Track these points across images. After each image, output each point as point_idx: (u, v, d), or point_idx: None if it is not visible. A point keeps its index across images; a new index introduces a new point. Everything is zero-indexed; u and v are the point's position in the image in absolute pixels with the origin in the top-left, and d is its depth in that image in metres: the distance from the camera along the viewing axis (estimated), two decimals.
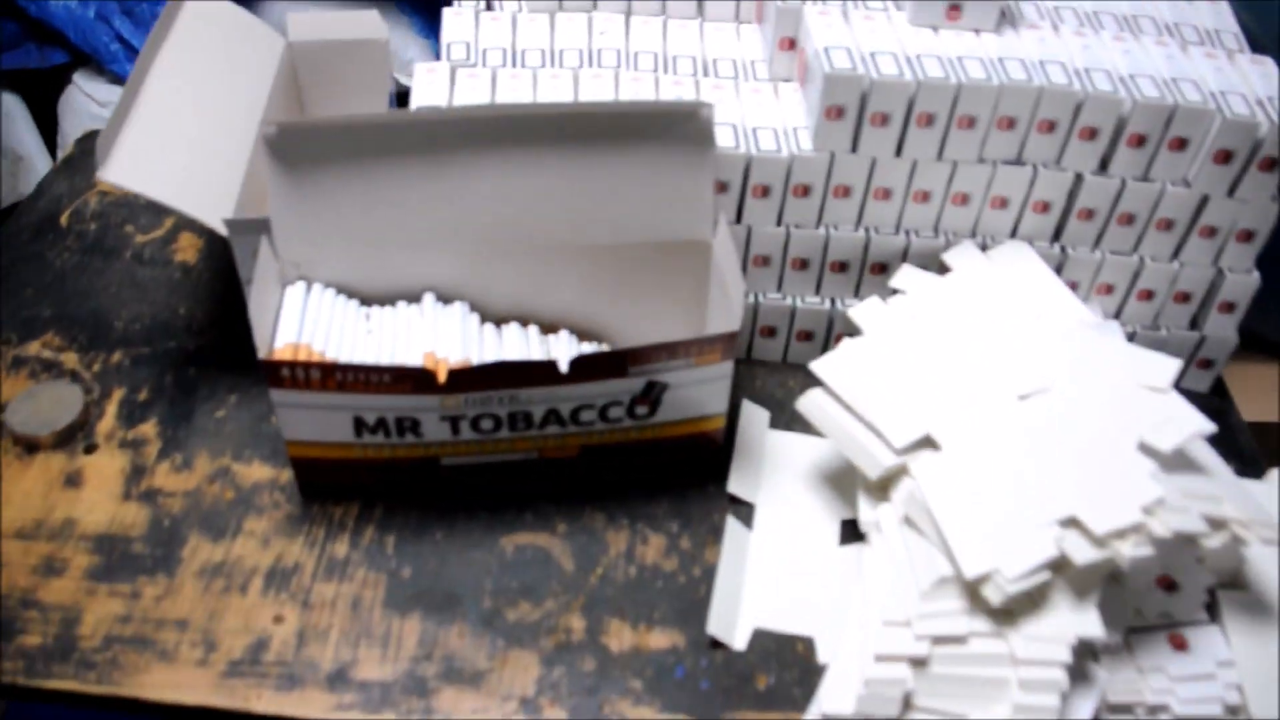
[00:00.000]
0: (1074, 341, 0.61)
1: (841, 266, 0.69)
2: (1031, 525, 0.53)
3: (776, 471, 0.66)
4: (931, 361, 0.61)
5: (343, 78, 0.80)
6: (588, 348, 0.66)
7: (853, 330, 0.65)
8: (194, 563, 0.60)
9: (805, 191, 0.66)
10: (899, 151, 0.64)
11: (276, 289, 0.62)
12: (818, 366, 0.62)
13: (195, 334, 0.73)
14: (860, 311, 0.65)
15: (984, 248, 0.68)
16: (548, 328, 0.67)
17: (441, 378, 0.56)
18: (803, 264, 0.69)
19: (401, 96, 0.87)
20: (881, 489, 0.59)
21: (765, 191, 0.65)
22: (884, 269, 0.69)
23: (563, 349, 0.65)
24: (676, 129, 0.62)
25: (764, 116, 0.67)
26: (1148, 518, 0.52)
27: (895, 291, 0.66)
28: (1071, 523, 0.52)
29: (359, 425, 0.59)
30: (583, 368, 0.57)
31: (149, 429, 0.67)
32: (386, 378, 0.56)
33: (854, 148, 0.64)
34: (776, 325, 0.71)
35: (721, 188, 0.65)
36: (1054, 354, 0.61)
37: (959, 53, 0.64)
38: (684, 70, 0.71)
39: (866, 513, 0.59)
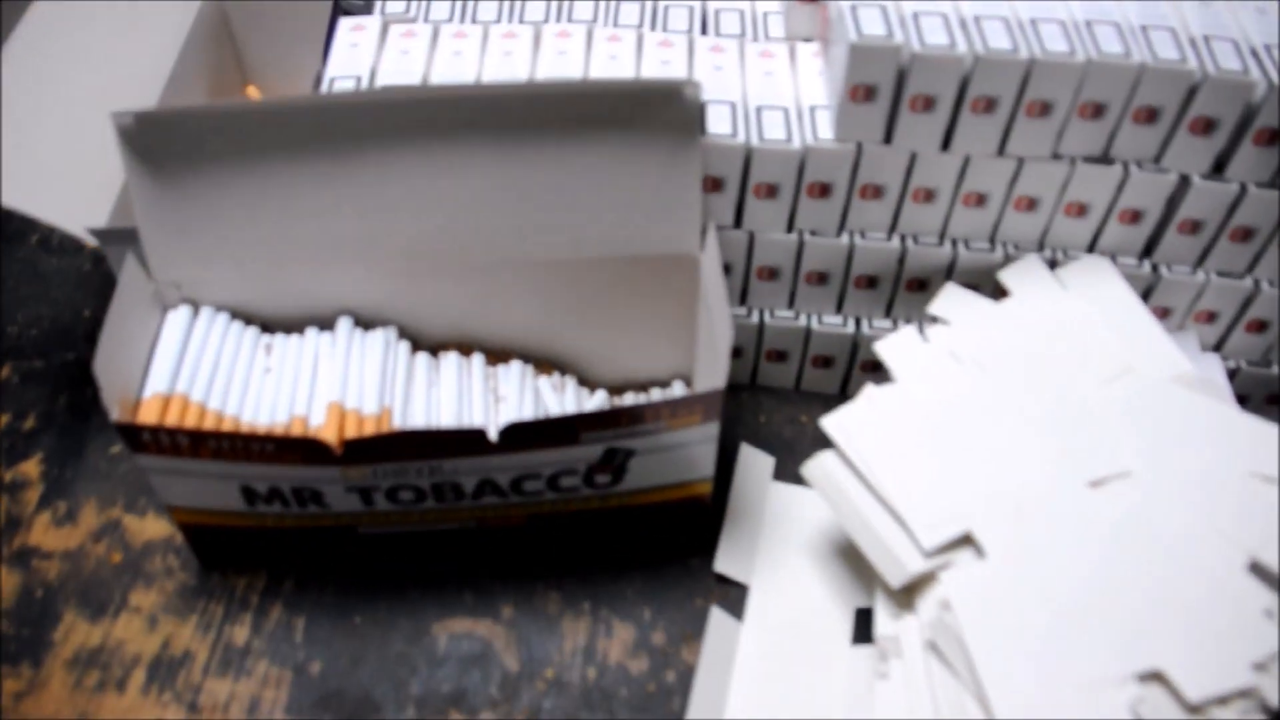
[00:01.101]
0: (1165, 404, 0.47)
1: (870, 282, 0.55)
2: (1098, 676, 0.40)
3: (778, 540, 0.54)
4: (978, 424, 0.48)
5: (288, 31, 0.67)
6: (546, 384, 0.54)
7: (880, 363, 0.51)
8: (66, 648, 0.50)
9: (824, 191, 0.51)
10: (946, 144, 0.49)
11: (151, 315, 0.49)
12: (833, 424, 0.49)
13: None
14: (891, 348, 0.51)
15: (1053, 264, 0.53)
16: (496, 355, 0.54)
17: (338, 446, 0.44)
18: (820, 278, 0.55)
19: None
20: (906, 592, 0.46)
21: (771, 191, 0.51)
22: (923, 285, 0.55)
23: (513, 384, 0.53)
24: (654, 114, 0.47)
25: (773, 91, 0.52)
26: (1260, 677, 0.38)
27: (935, 320, 0.52)
28: (1153, 677, 0.39)
29: (249, 494, 0.47)
30: (518, 437, 0.45)
31: (31, 467, 0.56)
32: (270, 447, 0.44)
33: (887, 138, 0.49)
34: (787, 349, 0.57)
35: (715, 185, 0.51)
36: (1138, 422, 0.46)
37: (1032, 14, 0.48)
38: (677, 24, 0.56)
39: (884, 623, 0.46)
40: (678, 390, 0.56)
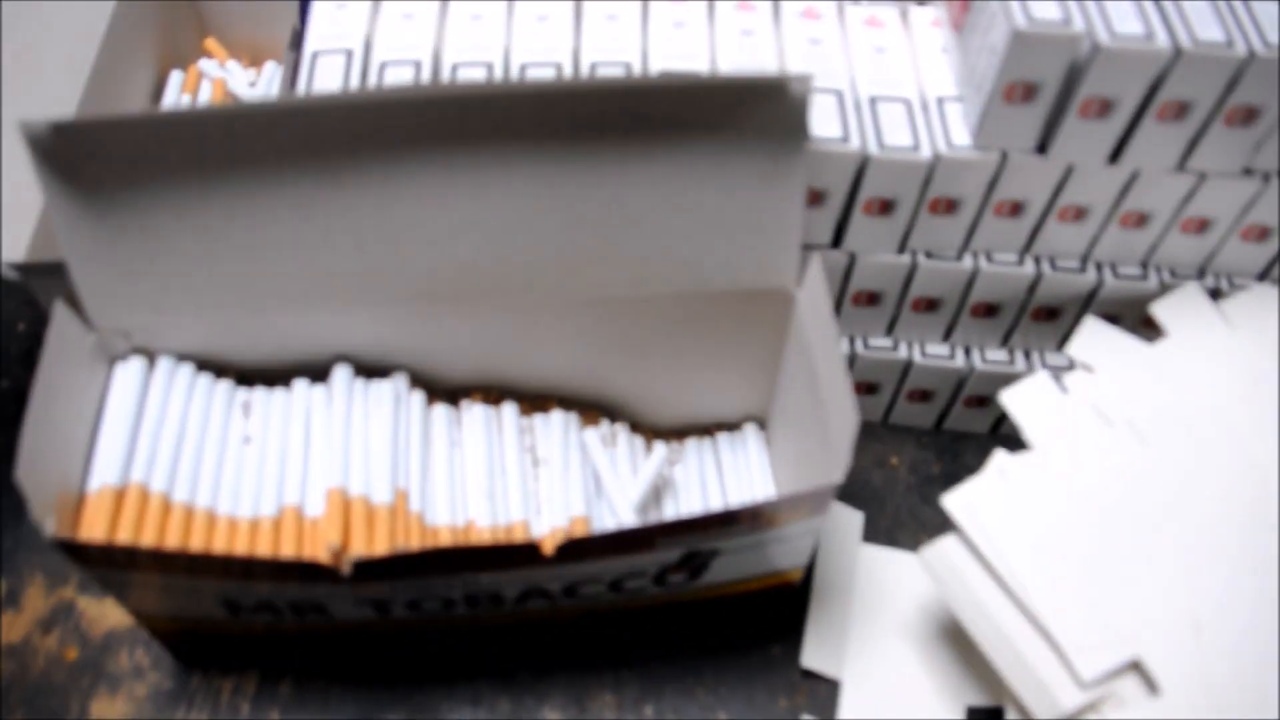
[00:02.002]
0: None
1: (989, 310, 0.45)
2: None
3: (871, 620, 0.45)
4: (1140, 510, 0.38)
5: None
6: (594, 438, 0.43)
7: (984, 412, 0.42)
8: None
9: (950, 207, 0.41)
10: (1116, 156, 0.39)
11: (93, 374, 0.38)
12: (958, 506, 0.39)
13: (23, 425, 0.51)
14: (1021, 401, 0.42)
15: (1215, 293, 0.43)
16: (530, 401, 0.44)
17: (345, 564, 0.34)
18: (930, 304, 0.44)
19: None
20: None
21: (886, 207, 0.40)
22: (1053, 314, 0.45)
23: (554, 441, 0.43)
24: (746, 118, 0.36)
25: (888, 75, 0.41)
26: None
27: (1074, 364, 0.43)
28: None
29: (233, 606, 0.37)
30: (580, 548, 0.35)
31: None
32: (259, 568, 0.34)
33: (1042, 147, 0.39)
34: (880, 381, 0.48)
35: (814, 198, 0.40)
36: None
37: None
38: None
39: None
40: (750, 435, 0.46)
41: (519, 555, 0.35)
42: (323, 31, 0.41)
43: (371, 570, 0.34)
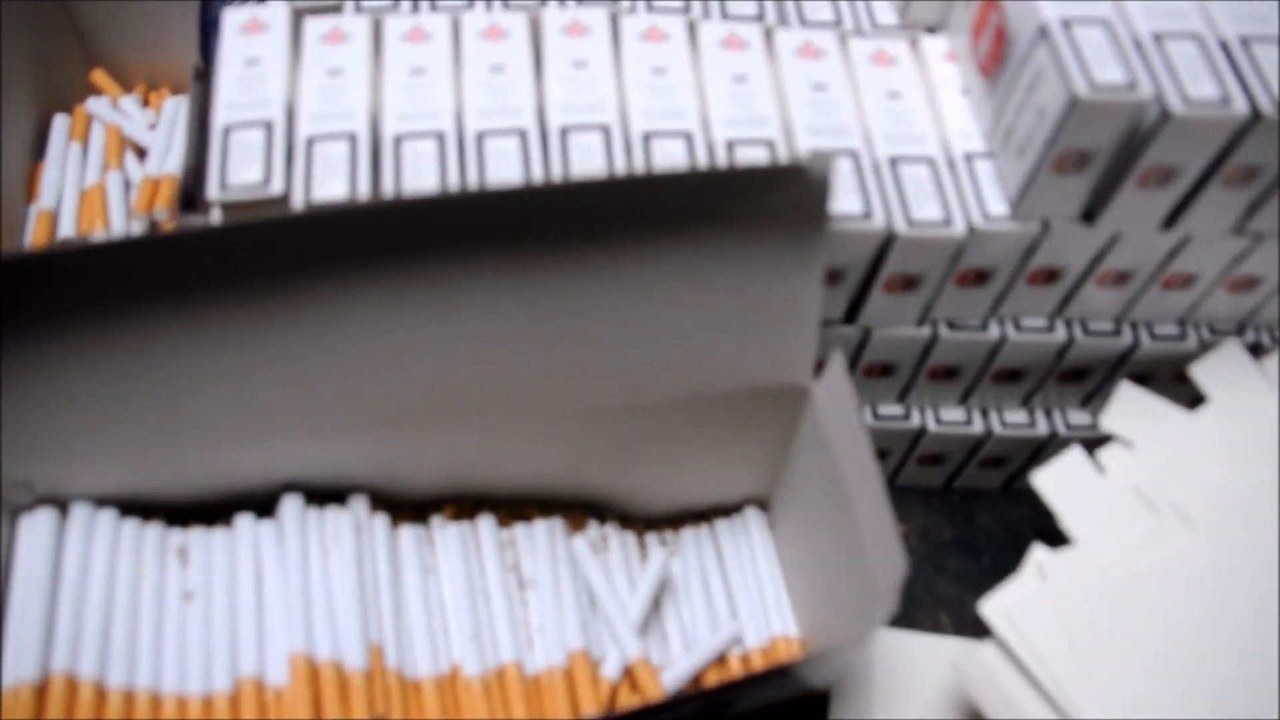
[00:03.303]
0: None
1: (1013, 375, 0.40)
2: None
3: (895, 714, 0.41)
4: (1198, 615, 0.35)
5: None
6: (583, 547, 0.38)
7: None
8: None
9: (980, 278, 0.36)
10: (1172, 222, 0.34)
11: None
12: (996, 613, 0.36)
13: None
14: (1055, 484, 0.38)
15: (1255, 347, 0.40)
16: (509, 509, 0.39)
17: None
18: (949, 373, 0.40)
19: None
20: None
21: (909, 284, 0.35)
22: (1079, 375, 0.41)
23: (540, 558, 0.37)
24: (756, 204, 0.31)
25: (907, 126, 0.35)
26: None
27: (1110, 438, 0.39)
28: None
29: None
30: None
31: None
32: None
33: (1090, 216, 0.34)
34: (889, 447, 0.43)
35: (830, 277, 0.35)
36: None
37: None
38: (741, 8, 0.38)
39: None
40: (751, 520, 0.42)
41: None
42: (233, 99, 0.34)
43: None
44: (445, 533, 0.37)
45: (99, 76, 0.47)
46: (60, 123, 0.45)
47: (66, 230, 0.43)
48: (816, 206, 0.31)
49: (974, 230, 0.34)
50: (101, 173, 0.45)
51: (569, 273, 0.31)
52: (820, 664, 0.32)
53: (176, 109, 0.46)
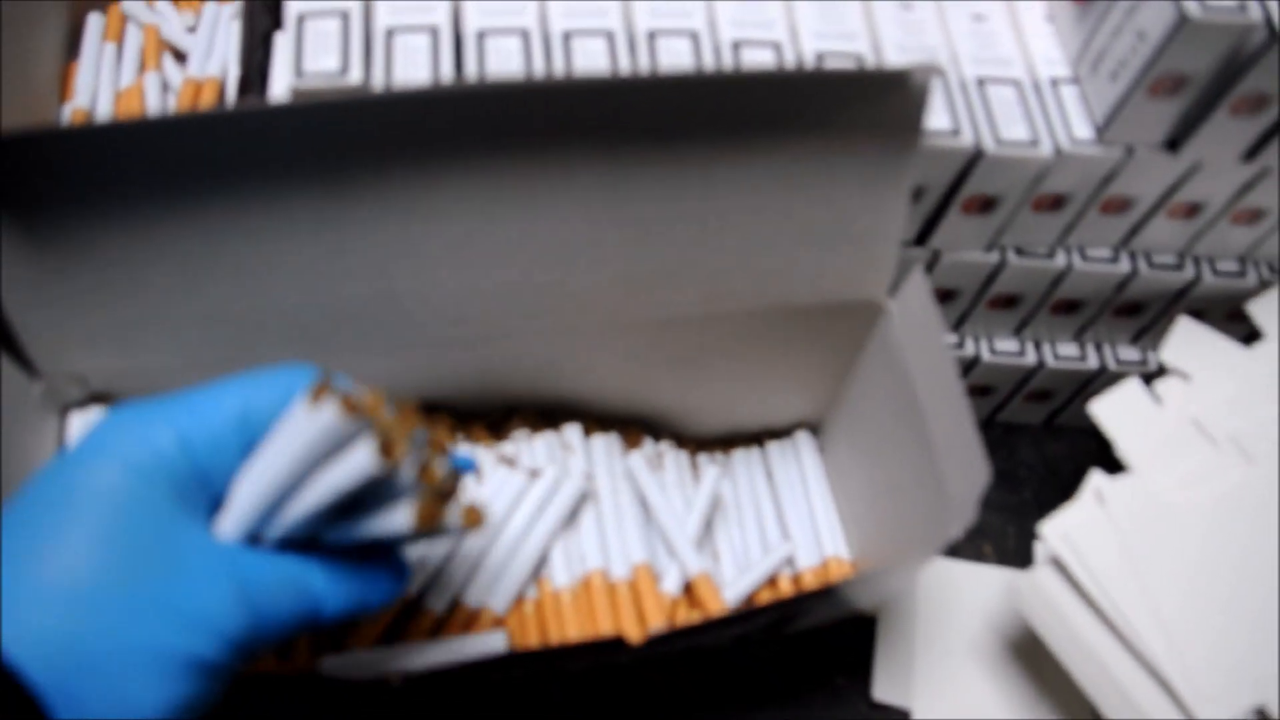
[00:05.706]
0: None
1: (1070, 306, 0.40)
2: None
3: (939, 642, 0.42)
4: (1254, 541, 0.36)
5: None
6: (640, 464, 0.38)
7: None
8: None
9: (1056, 204, 0.36)
10: (1254, 153, 0.34)
11: (42, 431, 0.31)
12: (1056, 535, 0.36)
13: None
14: (1113, 413, 0.38)
15: None
16: (559, 412, 0.38)
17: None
18: (1008, 301, 0.40)
19: None
20: None
21: (987, 205, 0.35)
22: (1134, 310, 0.41)
23: (599, 469, 0.37)
24: (852, 113, 0.30)
25: (992, 50, 0.35)
26: None
27: (1162, 371, 0.39)
28: None
29: None
30: (672, 638, 0.30)
31: None
32: None
33: (1176, 145, 0.34)
34: None
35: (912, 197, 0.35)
36: None
37: None
38: None
39: None
40: (803, 444, 0.42)
41: (608, 649, 0.30)
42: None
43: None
44: (533, 446, 0.37)
45: None
46: (94, 21, 0.44)
47: None
48: (912, 119, 0.31)
49: (1060, 152, 0.33)
50: (138, 74, 0.43)
51: (656, 175, 0.30)
52: (875, 582, 0.32)
53: (217, 12, 0.44)
